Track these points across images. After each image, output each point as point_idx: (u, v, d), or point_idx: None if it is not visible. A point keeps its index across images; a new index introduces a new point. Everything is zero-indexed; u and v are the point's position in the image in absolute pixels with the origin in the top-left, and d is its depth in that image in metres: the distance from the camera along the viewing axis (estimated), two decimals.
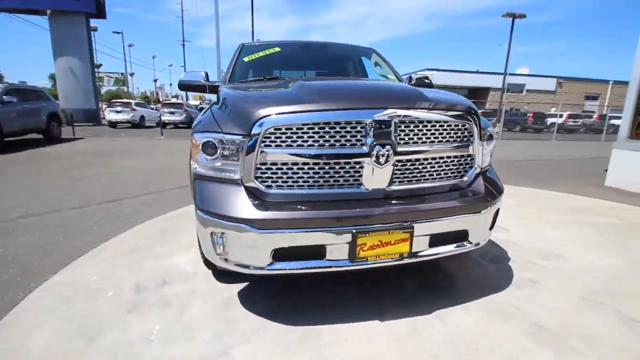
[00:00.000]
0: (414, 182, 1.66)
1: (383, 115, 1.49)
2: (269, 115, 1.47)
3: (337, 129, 1.48)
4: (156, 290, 2.04)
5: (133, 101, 19.37)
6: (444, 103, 1.67)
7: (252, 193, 1.54)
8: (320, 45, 3.23)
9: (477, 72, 32.47)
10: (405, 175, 1.63)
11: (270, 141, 1.48)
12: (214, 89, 2.73)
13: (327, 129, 1.47)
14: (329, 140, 1.49)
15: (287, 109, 1.47)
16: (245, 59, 2.87)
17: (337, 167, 1.52)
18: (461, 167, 1.76)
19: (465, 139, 1.71)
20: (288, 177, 1.53)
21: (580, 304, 1.91)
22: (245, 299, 1.95)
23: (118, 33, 39.47)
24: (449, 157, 1.70)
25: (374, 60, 3.22)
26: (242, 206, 1.50)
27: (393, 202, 1.59)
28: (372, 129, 1.49)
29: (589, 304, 1.92)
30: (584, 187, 4.89)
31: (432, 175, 1.69)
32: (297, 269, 1.54)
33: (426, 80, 2.85)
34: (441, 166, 1.70)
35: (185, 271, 2.28)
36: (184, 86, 2.90)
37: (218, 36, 13.02)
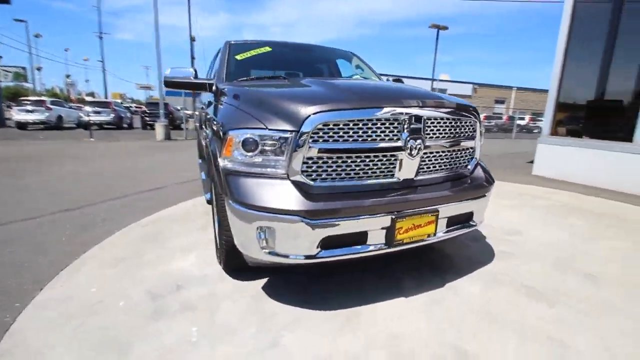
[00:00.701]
0: (433, 172, 1.88)
1: (417, 113, 1.68)
2: (319, 112, 1.55)
3: (379, 125, 1.62)
4: (173, 296, 1.94)
5: (48, 99, 16.93)
6: (458, 104, 1.93)
7: (299, 186, 1.59)
8: (306, 47, 3.32)
9: (406, 77, 35.19)
10: (428, 165, 1.84)
11: (319, 137, 1.56)
12: (203, 87, 2.66)
13: (369, 125, 1.60)
14: (371, 136, 1.62)
15: (335, 106, 1.57)
16: (238, 57, 2.83)
17: (375, 159, 1.66)
18: (466, 158, 2.04)
19: (470, 134, 1.99)
20: (332, 170, 1.62)
21: (552, 268, 2.33)
22: (274, 293, 1.97)
23: (21, 21, 34.03)
24: (459, 150, 1.95)
25: (354, 63, 3.42)
26: (293, 199, 1.55)
27: (420, 189, 1.78)
28: (407, 126, 1.66)
29: (558, 267, 2.35)
30: (519, 177, 5.75)
31: (447, 165, 1.93)
32: (342, 255, 1.63)
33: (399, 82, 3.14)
34: (453, 157, 1.95)
35: (194, 275, 2.19)
36: (171, 83, 2.75)
37: (158, 38, 12.10)
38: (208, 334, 1.62)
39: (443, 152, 1.87)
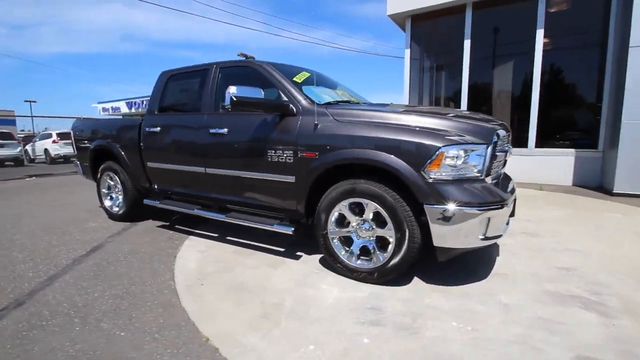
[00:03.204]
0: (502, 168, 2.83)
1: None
2: (499, 129, 2.17)
3: (502, 138, 2.40)
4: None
5: None
6: None
7: (491, 184, 2.15)
8: None
9: None
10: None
11: (495, 146, 2.18)
12: (277, 109, 2.56)
13: (501, 138, 2.36)
14: (504, 143, 2.39)
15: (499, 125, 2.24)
16: (298, 80, 2.79)
17: (499, 160, 2.43)
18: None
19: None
20: (492, 169, 2.27)
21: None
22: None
23: None
24: None
25: None
26: (499, 193, 2.10)
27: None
28: (507, 139, 2.55)
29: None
30: None
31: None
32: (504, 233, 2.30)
33: None
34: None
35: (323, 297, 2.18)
36: (243, 103, 2.44)
37: None
38: None
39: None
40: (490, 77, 6.69)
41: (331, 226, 2.44)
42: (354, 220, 2.39)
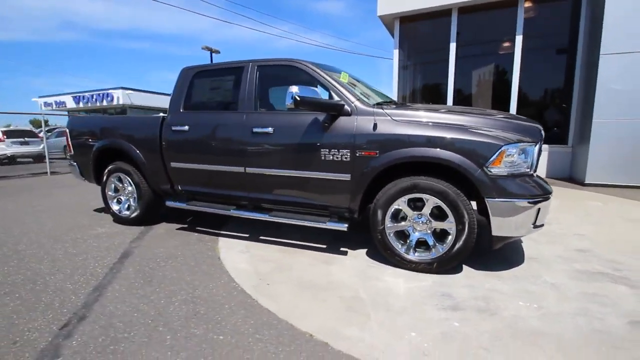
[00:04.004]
0: None
1: None
2: (541, 128, 2.43)
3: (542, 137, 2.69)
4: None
5: None
6: None
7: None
8: None
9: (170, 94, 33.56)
10: None
11: (541, 143, 2.43)
12: (334, 108, 2.63)
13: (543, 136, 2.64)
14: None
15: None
16: (344, 80, 2.84)
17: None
18: None
19: None
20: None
21: None
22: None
23: None
24: None
25: None
26: (546, 185, 2.36)
27: None
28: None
29: None
30: None
31: None
32: None
33: None
34: None
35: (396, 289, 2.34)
36: (306, 103, 2.47)
37: None
38: None
39: None
40: (473, 77, 7.19)
41: (388, 221, 2.57)
42: (410, 214, 2.53)
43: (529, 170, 2.36)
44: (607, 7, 5.05)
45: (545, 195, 2.33)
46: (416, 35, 7.56)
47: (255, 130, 2.91)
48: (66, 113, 25.86)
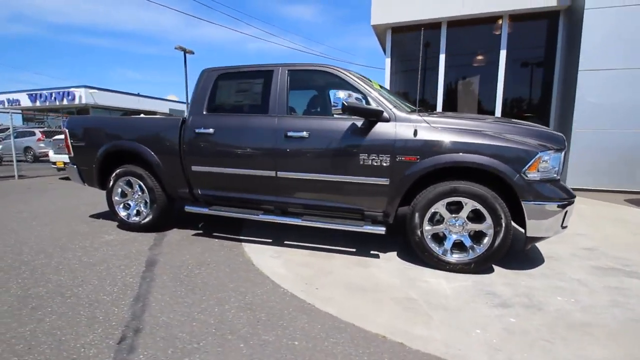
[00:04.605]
0: None
1: None
2: (564, 138, 2.65)
3: None
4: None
5: None
6: None
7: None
8: None
9: (138, 95, 32.12)
10: None
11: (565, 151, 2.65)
12: (374, 115, 2.70)
13: None
14: None
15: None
16: (378, 88, 2.92)
17: None
18: None
19: None
20: None
21: None
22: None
23: None
24: None
25: None
26: (570, 190, 2.56)
27: None
28: None
29: None
30: None
31: None
32: None
33: None
34: None
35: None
36: (352, 109, 2.52)
37: None
38: None
39: None
40: (461, 87, 7.59)
41: (426, 224, 2.66)
42: (447, 217, 2.65)
43: (556, 175, 2.56)
44: (585, 31, 5.61)
45: (571, 199, 2.54)
46: (407, 43, 7.85)
47: (289, 134, 2.90)
48: (20, 111, 23.79)
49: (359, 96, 2.72)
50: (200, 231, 3.71)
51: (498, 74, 6.97)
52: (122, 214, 3.71)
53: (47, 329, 1.89)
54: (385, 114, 2.70)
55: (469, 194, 2.52)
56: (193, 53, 23.36)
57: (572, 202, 2.55)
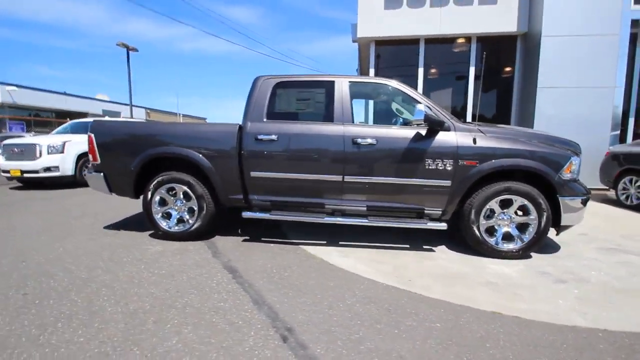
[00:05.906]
0: None
1: None
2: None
3: None
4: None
5: None
6: None
7: None
8: None
9: (65, 93, 28.57)
10: None
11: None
12: (438, 125, 3.08)
13: None
14: None
15: None
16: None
17: None
18: None
19: None
20: None
21: None
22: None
23: None
24: None
25: None
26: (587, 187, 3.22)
27: None
28: None
29: None
30: None
31: None
32: None
33: None
34: None
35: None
36: (429, 120, 2.88)
37: None
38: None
39: None
40: (436, 98, 8.44)
41: (482, 219, 3.11)
42: (498, 212, 3.12)
43: (576, 176, 3.20)
44: (542, 54, 6.77)
45: (589, 194, 3.20)
46: (388, 55, 8.48)
47: (357, 141, 3.13)
48: None
49: (424, 108, 3.07)
50: (247, 237, 3.70)
51: (468, 86, 7.94)
52: (163, 223, 3.53)
53: (198, 340, 1.86)
54: (446, 124, 3.09)
55: (519, 192, 3.03)
56: (137, 50, 21.62)
57: (589, 198, 3.21)
